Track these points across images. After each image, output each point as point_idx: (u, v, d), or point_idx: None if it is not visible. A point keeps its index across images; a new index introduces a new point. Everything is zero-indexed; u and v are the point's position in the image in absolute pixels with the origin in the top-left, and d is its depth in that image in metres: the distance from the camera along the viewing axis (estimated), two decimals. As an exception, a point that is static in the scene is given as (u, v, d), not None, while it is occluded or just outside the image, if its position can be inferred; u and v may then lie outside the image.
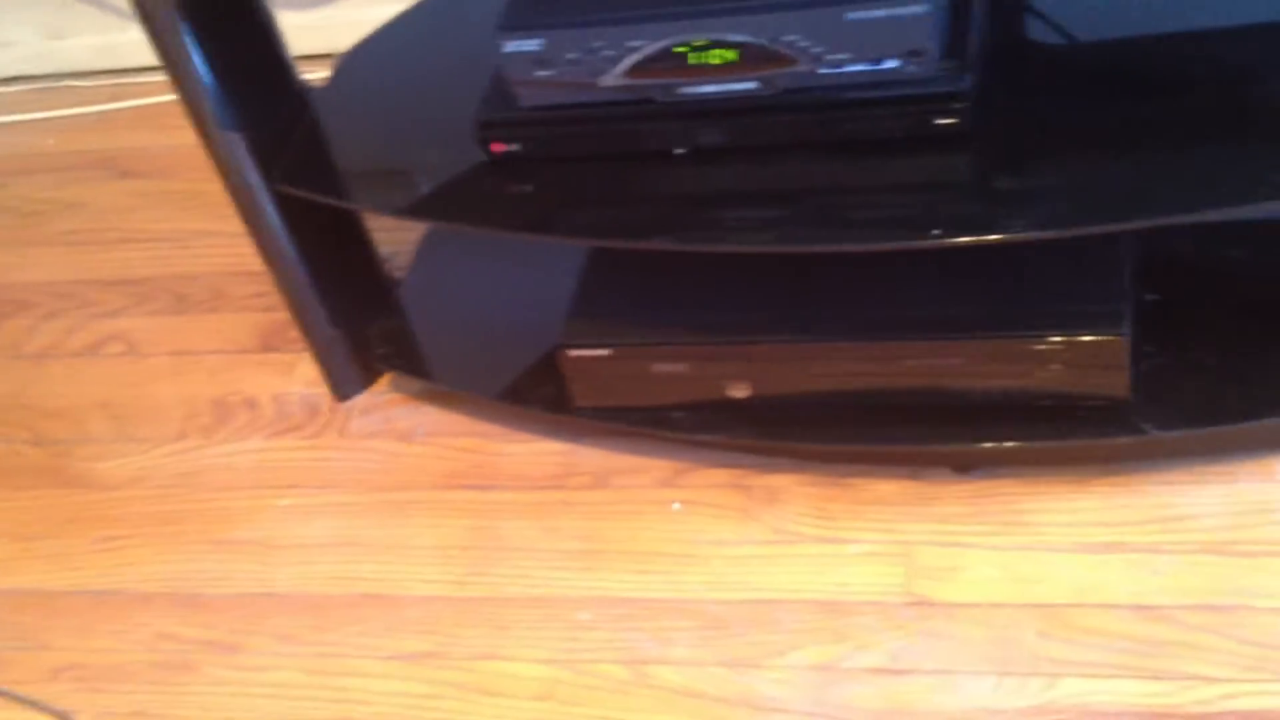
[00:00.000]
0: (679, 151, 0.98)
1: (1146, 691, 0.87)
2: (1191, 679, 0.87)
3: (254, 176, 1.10)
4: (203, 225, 1.49)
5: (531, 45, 0.96)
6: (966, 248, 0.86)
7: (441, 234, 1.31)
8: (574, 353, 1.06)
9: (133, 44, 1.65)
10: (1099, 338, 0.94)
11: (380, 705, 0.99)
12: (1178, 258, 1.04)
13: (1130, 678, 0.88)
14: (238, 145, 1.08)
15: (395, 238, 1.29)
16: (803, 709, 0.92)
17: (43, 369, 1.38)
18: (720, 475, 1.08)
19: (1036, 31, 1.03)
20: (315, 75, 1.16)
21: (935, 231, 0.87)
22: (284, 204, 1.12)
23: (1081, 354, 0.94)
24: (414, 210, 1.07)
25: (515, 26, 0.97)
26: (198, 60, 1.04)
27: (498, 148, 1.02)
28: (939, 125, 0.92)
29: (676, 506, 1.07)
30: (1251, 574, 0.91)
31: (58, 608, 1.13)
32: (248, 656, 1.05)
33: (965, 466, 1.02)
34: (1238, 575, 0.92)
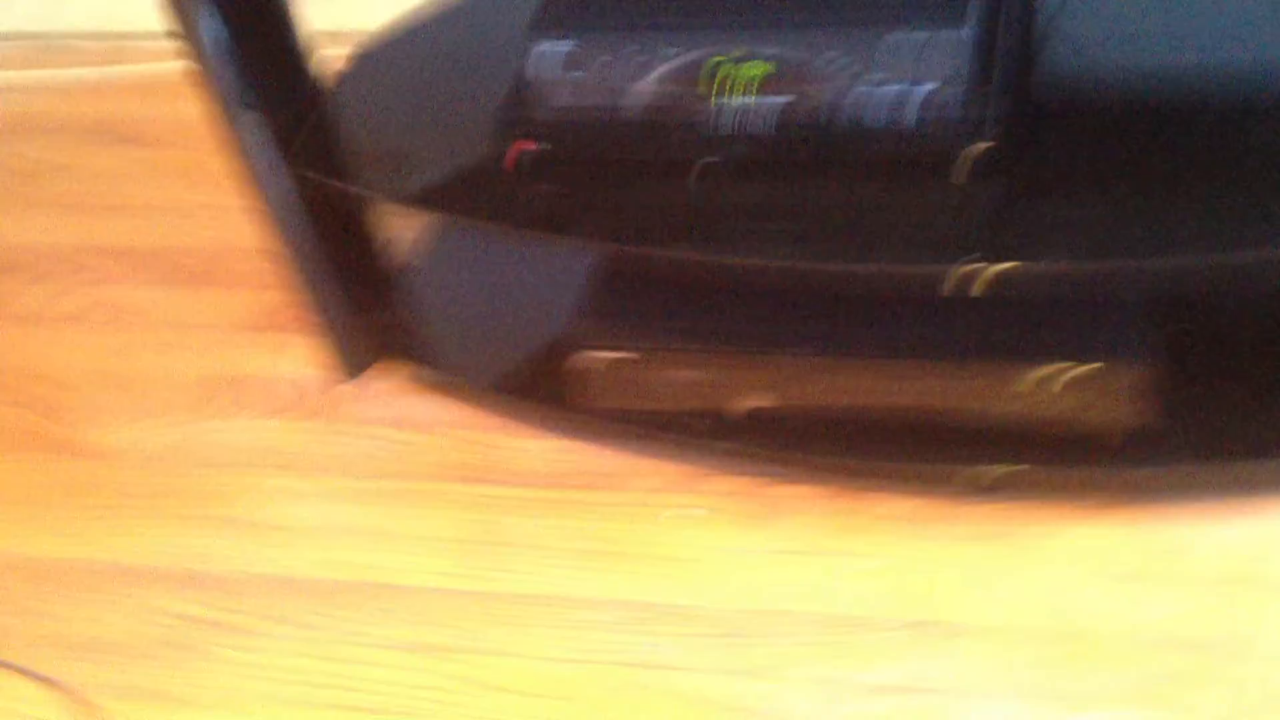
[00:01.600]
0: (705, 162, 0.97)
1: (1156, 722, 0.88)
2: (1218, 714, 0.87)
3: (272, 158, 1.09)
4: (199, 198, 1.47)
5: (563, 47, 0.96)
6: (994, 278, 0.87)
7: (452, 222, 1.30)
8: (588, 354, 1.06)
9: (136, 7, 1.62)
10: (1121, 367, 0.95)
11: (382, 695, 0.98)
12: (1198, 285, 1.03)
13: (1152, 708, 0.88)
14: (256, 125, 1.07)
15: (404, 222, 1.28)
16: (815, 723, 0.92)
17: (32, 333, 1.35)
18: (734, 482, 1.07)
19: (1066, 59, 1.04)
20: (323, 52, 1.15)
21: (965, 261, 0.87)
22: (301, 186, 1.10)
23: (1103, 382, 0.95)
24: (433, 203, 1.06)
25: (548, 27, 0.96)
26: (217, 35, 1.02)
27: (521, 146, 1.01)
28: (970, 151, 0.92)
29: (690, 511, 1.06)
30: (1275, 607, 0.92)
31: (50, 577, 1.11)
32: (243, 637, 1.04)
33: (981, 487, 1.02)
34: (1262, 606, 0.92)
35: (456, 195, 1.04)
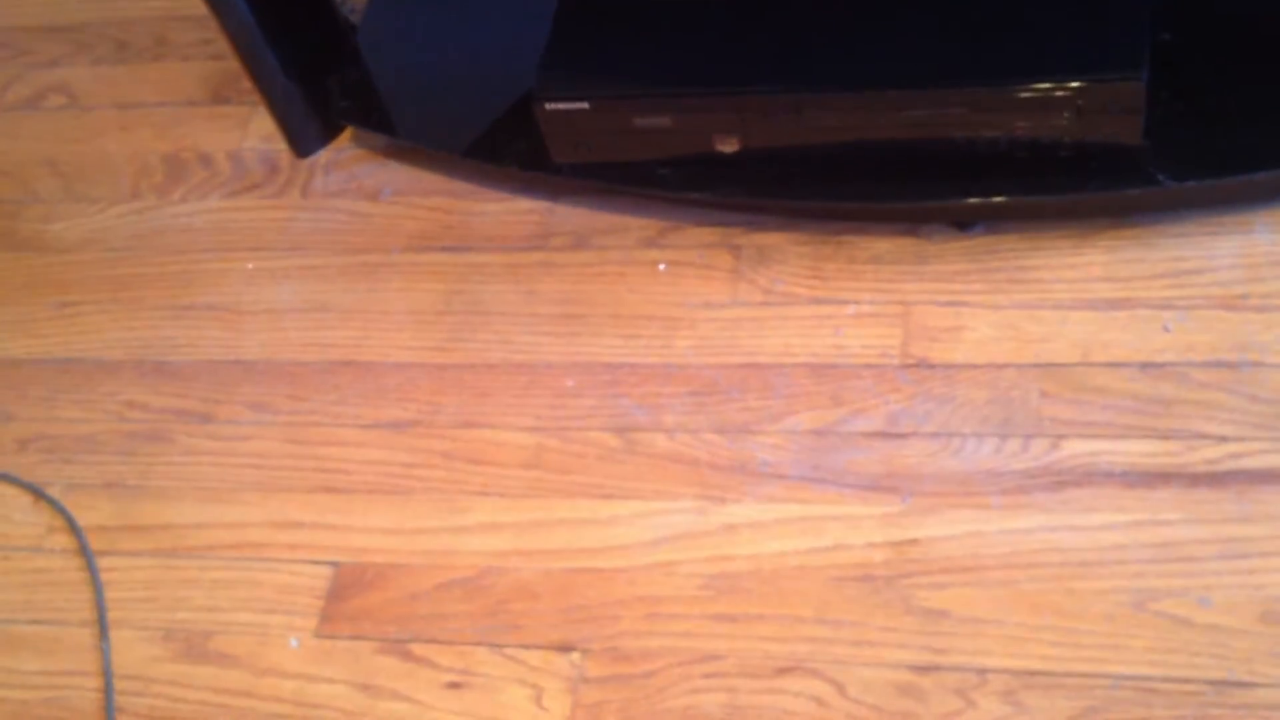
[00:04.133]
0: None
1: (1153, 450, 0.85)
2: (1199, 438, 0.85)
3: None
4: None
5: None
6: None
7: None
8: (550, 106, 0.99)
9: None
10: (1115, 82, 0.88)
11: (363, 474, 0.97)
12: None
13: (1136, 437, 0.86)
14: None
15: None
16: (800, 475, 0.90)
17: (-16, 126, 1.30)
18: (708, 234, 1.03)
19: None
20: None
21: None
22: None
23: (1095, 99, 0.89)
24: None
25: None
26: None
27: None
28: None
29: (662, 267, 1.02)
30: (1264, 329, 0.88)
31: (20, 377, 1.09)
32: (221, 426, 1.02)
33: (966, 222, 0.98)
34: (1250, 331, 0.88)
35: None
